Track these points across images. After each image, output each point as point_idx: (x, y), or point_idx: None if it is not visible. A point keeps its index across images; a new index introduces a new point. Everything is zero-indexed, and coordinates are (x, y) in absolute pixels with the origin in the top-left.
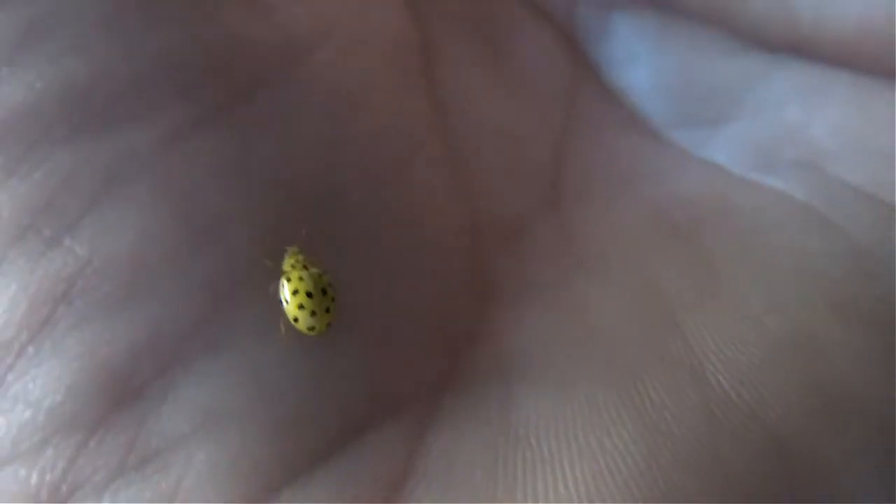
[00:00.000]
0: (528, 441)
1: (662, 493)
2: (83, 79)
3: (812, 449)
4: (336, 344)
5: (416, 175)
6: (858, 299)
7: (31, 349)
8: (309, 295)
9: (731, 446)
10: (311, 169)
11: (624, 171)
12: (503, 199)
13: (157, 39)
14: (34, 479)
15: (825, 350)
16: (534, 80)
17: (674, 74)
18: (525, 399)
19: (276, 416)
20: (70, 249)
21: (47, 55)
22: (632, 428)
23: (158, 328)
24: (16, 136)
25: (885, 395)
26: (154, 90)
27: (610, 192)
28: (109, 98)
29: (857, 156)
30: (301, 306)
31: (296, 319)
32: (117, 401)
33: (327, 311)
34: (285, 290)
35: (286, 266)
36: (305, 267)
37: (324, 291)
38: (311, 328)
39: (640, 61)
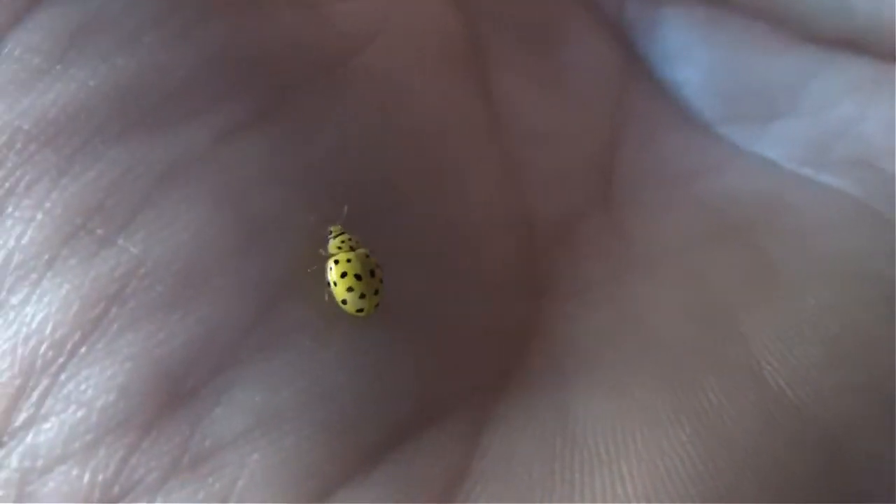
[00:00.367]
0: (586, 442)
1: (720, 496)
2: (136, 76)
3: (869, 451)
4: (390, 343)
5: (467, 173)
6: None
7: (83, 349)
8: (357, 277)
9: (789, 448)
10: (362, 166)
11: (675, 169)
12: (554, 198)
13: (210, 36)
14: (86, 478)
15: (882, 350)
16: (583, 76)
17: (725, 70)
18: (581, 400)
19: (331, 416)
20: (123, 249)
21: (100, 52)
22: (689, 430)
23: (212, 328)
24: (68, 134)
25: None
26: (207, 87)
27: (662, 189)
28: (162, 95)
29: None
30: (350, 289)
31: (344, 301)
32: (170, 401)
33: (376, 292)
34: (333, 273)
35: (332, 247)
36: (352, 248)
37: (371, 273)
38: (360, 310)
39: (690, 57)
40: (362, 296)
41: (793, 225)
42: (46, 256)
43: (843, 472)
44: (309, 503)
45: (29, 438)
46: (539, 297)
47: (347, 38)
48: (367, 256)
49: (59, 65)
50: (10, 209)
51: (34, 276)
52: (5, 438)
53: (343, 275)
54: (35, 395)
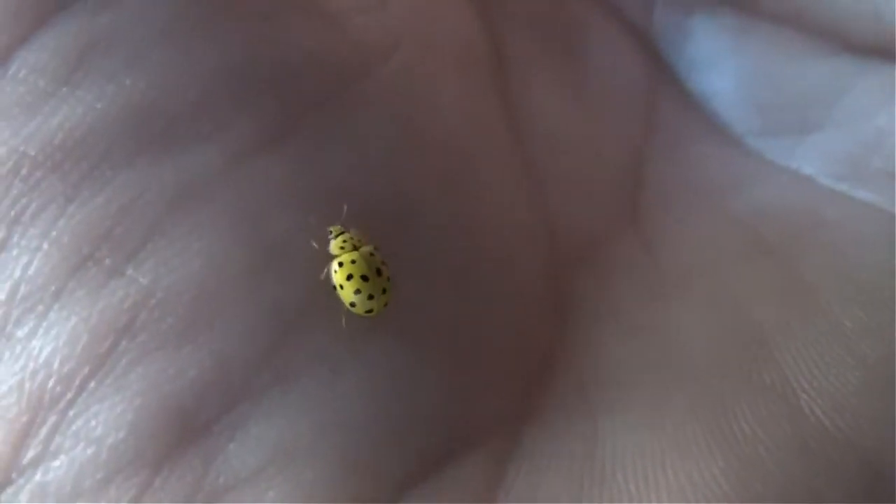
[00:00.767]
0: (615, 477)
1: None
2: (144, 97)
3: None
4: (410, 373)
5: (489, 189)
6: None
7: (92, 384)
8: (364, 278)
9: (826, 479)
10: (383, 184)
11: (706, 183)
12: (580, 213)
13: (221, 53)
14: None
15: None
16: (610, 85)
17: (756, 79)
18: (609, 431)
19: (349, 451)
20: (132, 279)
21: (107, 73)
22: (723, 462)
23: (225, 361)
24: (75, 159)
25: None
26: (218, 108)
27: (692, 205)
28: (172, 118)
29: None
30: (358, 291)
31: (353, 304)
32: (183, 438)
33: (384, 291)
34: (337, 275)
35: (334, 248)
36: (355, 247)
37: (378, 272)
38: (370, 311)
39: (720, 65)
40: (370, 297)
41: (828, 243)
42: (53, 287)
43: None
44: None
45: (38, 476)
46: (564, 319)
47: (366, 50)
48: (372, 254)
49: (65, 87)
50: (15, 238)
51: (41, 307)
52: (14, 475)
53: (349, 277)
54: (43, 432)
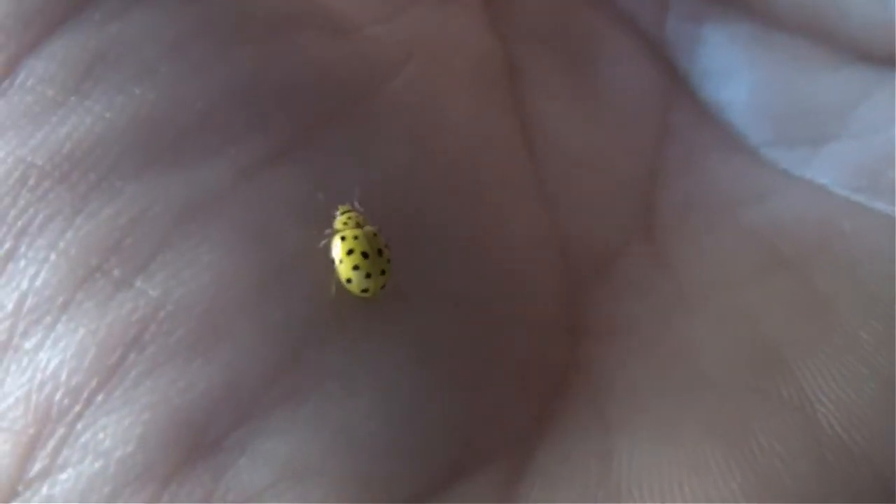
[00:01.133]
0: (630, 494)
1: None
2: (154, 108)
3: None
4: (423, 389)
5: (502, 202)
6: None
7: (100, 397)
8: (365, 255)
9: (844, 494)
10: (394, 200)
11: (721, 195)
12: (594, 227)
13: (232, 66)
14: None
15: None
16: (623, 97)
17: (771, 90)
18: (625, 448)
19: (361, 468)
20: (141, 292)
21: (117, 83)
22: (741, 479)
23: (235, 375)
24: (83, 170)
25: None
26: (228, 120)
27: (707, 217)
28: (181, 130)
29: None
30: (356, 267)
31: (349, 280)
32: (192, 452)
33: (382, 272)
34: (338, 249)
35: (338, 224)
36: (359, 224)
37: (379, 252)
38: (365, 290)
39: (734, 76)
40: (368, 275)
41: (845, 255)
42: (61, 299)
43: None
44: None
45: (44, 490)
46: (579, 336)
47: (377, 65)
48: (375, 235)
49: (73, 96)
50: (22, 249)
51: (48, 319)
52: (20, 488)
53: (349, 252)
54: (50, 445)
